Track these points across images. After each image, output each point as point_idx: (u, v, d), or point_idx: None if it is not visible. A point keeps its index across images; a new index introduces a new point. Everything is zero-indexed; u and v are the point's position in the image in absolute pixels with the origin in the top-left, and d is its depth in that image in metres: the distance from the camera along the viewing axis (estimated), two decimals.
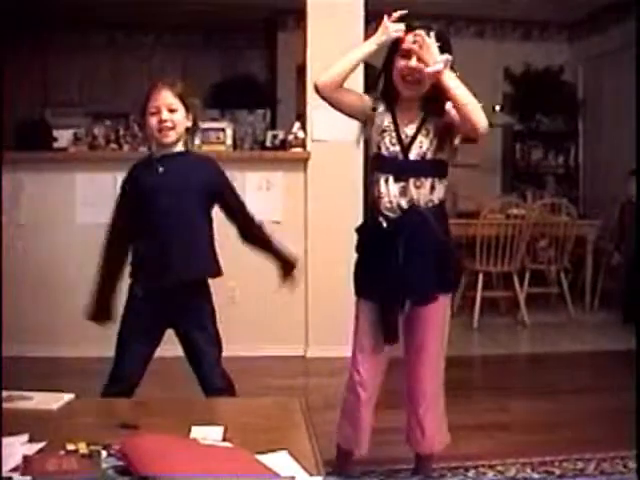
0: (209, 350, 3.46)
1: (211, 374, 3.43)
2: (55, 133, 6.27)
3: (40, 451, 1.89)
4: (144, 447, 1.76)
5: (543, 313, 7.80)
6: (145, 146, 6.02)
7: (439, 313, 3.42)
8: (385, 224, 3.29)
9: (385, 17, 3.32)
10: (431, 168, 3.29)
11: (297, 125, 6.04)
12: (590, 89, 10.41)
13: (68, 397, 2.43)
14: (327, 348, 5.93)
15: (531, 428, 4.48)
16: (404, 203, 3.26)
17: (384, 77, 3.39)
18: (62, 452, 1.80)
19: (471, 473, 3.70)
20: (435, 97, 3.24)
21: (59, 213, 5.99)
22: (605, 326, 7.46)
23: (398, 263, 3.24)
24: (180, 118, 3.35)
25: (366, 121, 3.44)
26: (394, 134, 3.30)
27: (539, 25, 10.56)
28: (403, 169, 3.28)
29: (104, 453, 1.81)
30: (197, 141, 5.86)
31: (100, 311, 3.51)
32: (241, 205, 3.69)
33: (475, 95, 3.19)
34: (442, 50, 3.18)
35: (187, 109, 3.39)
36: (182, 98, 3.36)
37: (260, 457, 1.83)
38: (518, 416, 4.74)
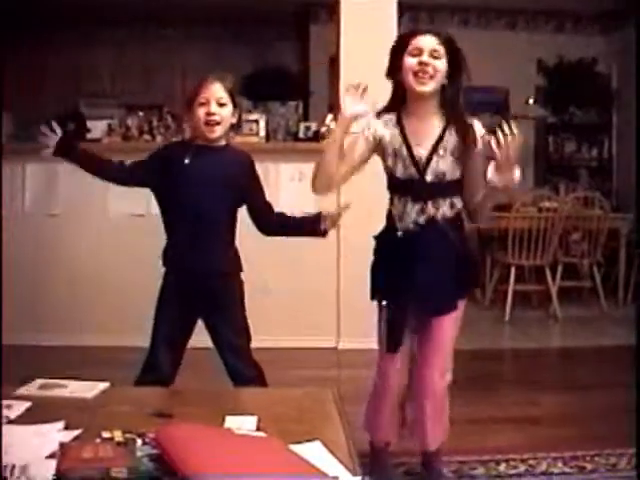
0: (237, 341, 3.49)
1: (239, 365, 3.45)
2: (89, 124, 6.31)
3: (76, 438, 1.91)
4: (179, 436, 1.77)
5: (575, 307, 7.77)
6: (178, 137, 6.07)
7: (454, 317, 3.36)
8: (401, 234, 3.29)
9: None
10: (449, 189, 3.25)
11: (330, 117, 6.04)
12: (624, 81, 10.31)
13: (103, 386, 2.45)
14: (359, 340, 5.93)
15: (562, 422, 4.47)
16: (422, 220, 3.23)
17: (393, 84, 3.37)
18: (98, 440, 1.81)
19: (502, 466, 3.70)
20: (452, 102, 3.22)
21: (92, 204, 6.03)
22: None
23: (413, 275, 3.23)
24: (228, 113, 3.36)
25: (378, 151, 3.42)
26: (407, 157, 3.24)
27: (572, 16, 10.48)
28: (420, 191, 3.23)
29: (139, 441, 1.82)
30: (230, 132, 5.88)
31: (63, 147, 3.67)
32: (266, 206, 3.68)
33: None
34: (452, 58, 3.18)
35: (235, 105, 3.40)
36: (232, 93, 3.38)
37: (294, 447, 1.84)
38: (549, 410, 4.72)
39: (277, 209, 5.96)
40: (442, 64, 3.17)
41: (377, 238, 3.55)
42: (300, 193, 5.91)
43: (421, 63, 3.14)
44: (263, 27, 10.26)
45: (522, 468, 3.70)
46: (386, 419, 3.55)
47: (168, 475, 1.65)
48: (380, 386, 3.55)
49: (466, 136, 3.20)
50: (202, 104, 3.32)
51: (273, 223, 3.67)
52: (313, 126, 6.30)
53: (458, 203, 3.29)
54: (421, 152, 3.22)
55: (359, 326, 5.95)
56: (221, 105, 3.33)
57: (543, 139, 10.50)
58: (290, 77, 10.00)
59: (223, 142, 3.46)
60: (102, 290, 5.98)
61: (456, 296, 3.34)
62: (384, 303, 3.43)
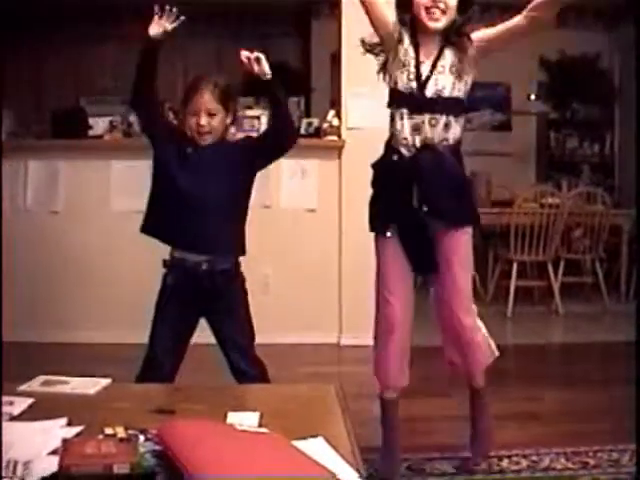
0: (239, 338, 3.50)
1: (243, 363, 3.45)
2: (91, 121, 6.31)
3: (78, 434, 1.91)
4: (181, 432, 1.77)
5: (577, 303, 7.76)
6: None
7: (462, 247, 3.43)
8: (396, 157, 3.36)
9: None
10: (447, 106, 3.30)
11: (332, 113, 6.04)
12: (626, 76, 10.30)
13: (105, 382, 2.45)
14: (361, 336, 5.91)
15: (565, 418, 4.46)
16: (418, 141, 3.29)
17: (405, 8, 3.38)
18: (100, 436, 1.81)
19: (505, 462, 3.69)
20: (457, 29, 3.32)
21: (94, 200, 6.04)
22: None
23: (412, 200, 3.32)
24: (218, 122, 3.37)
25: (389, 51, 3.42)
26: (413, 70, 3.30)
27: (575, 12, 10.44)
28: (418, 105, 3.28)
29: (141, 437, 1.82)
30: (232, 129, 5.87)
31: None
32: (265, 136, 3.69)
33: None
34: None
35: (227, 109, 3.42)
36: (222, 101, 3.38)
37: (296, 443, 1.83)
38: (551, 406, 4.72)
39: (279, 205, 6.00)
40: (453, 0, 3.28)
41: (374, 166, 3.60)
42: (302, 190, 5.92)
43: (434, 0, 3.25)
44: (265, 23, 10.25)
45: (524, 464, 3.69)
46: (393, 364, 3.62)
47: (171, 471, 1.65)
48: (383, 330, 3.61)
49: (463, 53, 3.32)
50: (192, 114, 3.35)
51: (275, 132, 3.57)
52: (315, 122, 6.30)
53: (455, 127, 3.34)
54: (424, 68, 3.30)
55: (361, 322, 5.94)
56: (211, 115, 3.34)
57: (545, 135, 10.50)
58: (292, 73, 9.98)
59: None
60: (103, 287, 5.98)
61: (456, 219, 3.40)
62: (388, 234, 3.46)
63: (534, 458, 3.76)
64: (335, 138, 5.96)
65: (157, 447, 1.76)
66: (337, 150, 5.98)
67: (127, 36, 10.05)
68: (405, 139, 3.31)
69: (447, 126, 3.30)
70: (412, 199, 3.32)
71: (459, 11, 3.32)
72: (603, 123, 10.48)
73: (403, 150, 3.34)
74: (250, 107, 6.75)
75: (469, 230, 3.47)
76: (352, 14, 5.99)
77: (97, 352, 5.49)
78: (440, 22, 3.27)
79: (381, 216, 3.50)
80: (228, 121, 3.44)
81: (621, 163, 10.43)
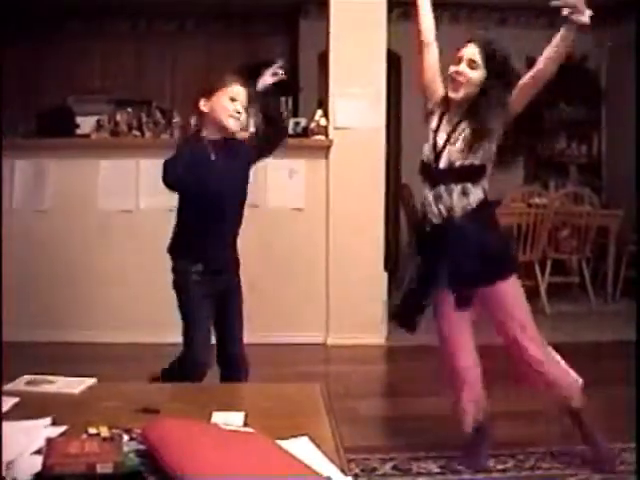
0: (239, 333, 3.71)
1: (237, 354, 3.65)
2: (78, 120, 6.30)
3: (63, 434, 1.90)
4: (165, 432, 1.76)
5: (564, 303, 7.77)
6: (167, 133, 6.06)
7: (508, 294, 3.68)
8: (428, 229, 3.55)
9: None
10: (460, 175, 3.44)
11: (319, 113, 6.04)
12: (614, 77, 10.33)
13: (90, 382, 2.45)
14: (348, 336, 5.95)
15: (551, 417, 4.46)
16: (443, 209, 3.47)
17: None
18: (84, 435, 1.81)
19: (491, 462, 3.70)
20: (478, 106, 3.44)
21: (81, 199, 6.02)
22: (626, 316, 7.41)
23: (439, 264, 3.52)
24: (244, 119, 3.57)
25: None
26: (432, 142, 3.49)
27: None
28: (434, 177, 3.48)
29: (126, 437, 1.82)
30: None
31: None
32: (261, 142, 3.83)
33: None
34: (491, 68, 3.50)
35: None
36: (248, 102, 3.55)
37: (281, 442, 1.83)
38: (538, 405, 4.72)
39: (267, 205, 6.00)
40: (476, 74, 3.45)
41: (416, 228, 3.97)
42: (289, 189, 5.91)
43: (457, 72, 3.45)
44: (253, 22, 10.24)
45: (511, 463, 3.70)
46: (468, 403, 3.73)
47: (154, 471, 1.64)
48: (455, 381, 3.78)
49: (475, 136, 3.43)
50: (233, 99, 3.45)
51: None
52: (302, 122, 6.30)
53: (475, 191, 3.48)
54: (439, 141, 3.48)
55: (348, 322, 5.97)
56: (244, 107, 3.50)
57: (533, 136, 10.50)
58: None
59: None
60: (90, 286, 5.97)
61: (487, 275, 3.56)
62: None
63: (520, 457, 3.77)
64: (322, 138, 5.96)
65: (141, 447, 1.75)
66: (324, 150, 5.98)
67: (114, 35, 10.10)
68: (431, 208, 3.50)
69: (465, 193, 3.46)
70: (443, 264, 3.54)
71: (486, 85, 3.46)
72: (590, 124, 10.49)
73: (433, 219, 3.52)
74: None
75: (508, 279, 3.65)
76: (340, 14, 6.02)
77: (82, 351, 5.47)
78: (458, 92, 3.45)
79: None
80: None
81: (608, 164, 10.44)
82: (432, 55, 3.68)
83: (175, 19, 10.31)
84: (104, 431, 1.81)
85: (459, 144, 3.44)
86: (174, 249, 3.59)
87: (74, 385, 2.41)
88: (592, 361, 5.96)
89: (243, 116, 3.49)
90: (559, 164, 10.31)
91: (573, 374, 3.82)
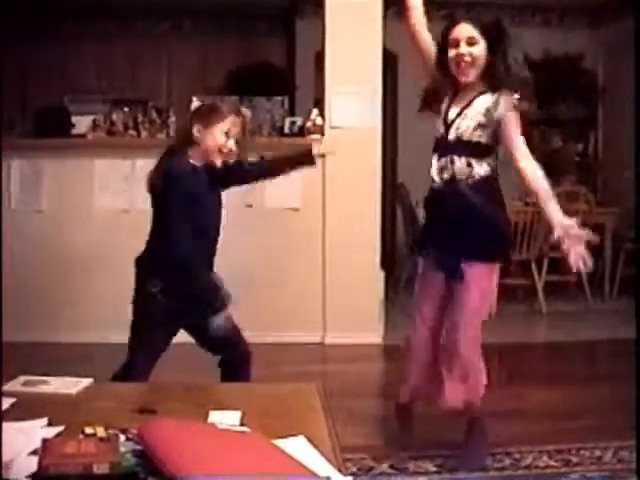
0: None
1: (240, 337, 3.68)
2: (73, 119, 6.30)
3: (59, 435, 1.90)
4: (162, 431, 1.76)
5: (561, 301, 7.77)
6: (163, 133, 6.06)
7: (477, 280, 3.63)
8: (429, 192, 3.65)
9: None
10: (466, 148, 3.51)
11: (315, 112, 6.04)
12: (610, 76, 10.33)
13: (87, 382, 2.44)
14: (345, 335, 5.95)
15: (548, 416, 4.48)
16: (446, 176, 3.54)
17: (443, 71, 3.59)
18: (81, 436, 1.80)
19: (487, 460, 3.70)
20: (491, 75, 3.50)
21: (77, 199, 6.02)
22: (623, 314, 7.40)
23: (439, 229, 3.65)
24: (232, 143, 3.46)
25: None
26: (443, 116, 3.56)
27: (559, 11, 10.47)
28: (443, 149, 3.55)
29: (122, 437, 1.82)
30: None
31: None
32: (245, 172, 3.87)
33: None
34: (490, 38, 3.50)
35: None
36: (240, 123, 3.51)
37: (277, 442, 1.83)
38: (535, 404, 4.73)
39: (263, 205, 5.99)
40: (479, 49, 3.48)
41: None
42: (285, 189, 5.91)
43: (459, 55, 3.46)
44: (249, 22, 10.23)
45: (507, 462, 3.71)
46: (411, 375, 3.79)
47: (151, 471, 1.64)
48: (408, 340, 3.82)
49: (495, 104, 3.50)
50: (226, 133, 3.41)
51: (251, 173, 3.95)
52: (299, 121, 6.30)
53: (479, 166, 3.53)
54: (450, 114, 3.57)
55: (345, 321, 5.97)
56: (229, 136, 3.42)
57: (528, 133, 10.48)
58: (276, 72, 9.99)
59: None
60: (87, 286, 5.97)
61: (473, 256, 3.61)
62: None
63: (517, 456, 3.77)
64: (318, 137, 5.96)
65: (138, 447, 1.75)
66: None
67: (111, 35, 10.09)
68: (435, 177, 3.58)
69: (469, 165, 3.52)
70: (439, 228, 3.67)
71: (489, 57, 3.50)
72: (586, 122, 10.49)
73: (434, 186, 3.61)
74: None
75: (489, 265, 3.69)
76: (336, 14, 6.02)
77: (79, 352, 5.47)
78: (469, 75, 3.50)
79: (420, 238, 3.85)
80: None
81: (604, 162, 10.45)
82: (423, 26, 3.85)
83: (171, 19, 10.31)
84: (100, 431, 1.81)
85: (468, 120, 3.50)
86: None
87: (71, 385, 2.41)
88: (589, 359, 5.99)
89: (234, 148, 3.45)
90: (555, 163, 10.30)
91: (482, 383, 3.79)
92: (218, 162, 3.42)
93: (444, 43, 3.55)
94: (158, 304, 3.40)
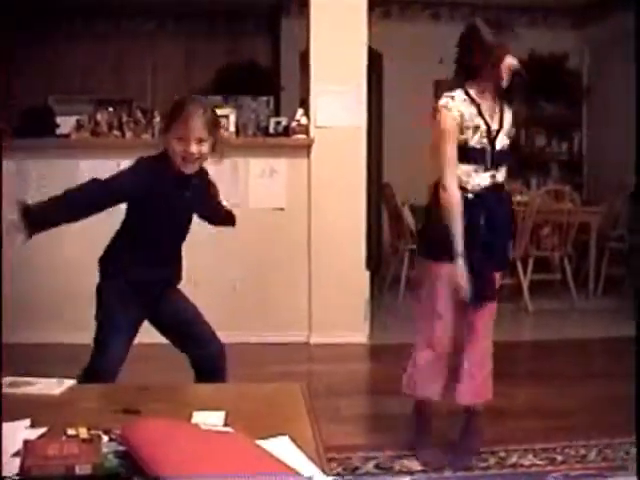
0: (200, 317, 3.46)
1: (211, 332, 3.44)
2: (58, 120, 6.28)
3: (42, 436, 1.90)
4: (145, 432, 1.76)
5: (546, 300, 7.79)
6: (148, 133, 6.04)
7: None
8: (471, 195, 3.60)
9: None
10: (507, 157, 3.72)
11: (300, 112, 6.03)
12: (595, 75, 10.37)
13: (70, 383, 2.44)
14: (331, 334, 5.95)
15: (533, 414, 4.49)
16: (489, 183, 3.63)
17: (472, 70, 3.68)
18: (63, 437, 1.80)
19: (473, 459, 3.70)
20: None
21: None
22: (608, 312, 7.45)
23: (480, 233, 3.60)
24: (207, 149, 3.18)
25: None
26: (485, 130, 3.59)
27: (544, 11, 10.50)
28: (492, 160, 3.62)
29: (105, 438, 1.81)
30: None
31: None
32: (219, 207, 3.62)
33: None
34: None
35: (213, 136, 3.23)
36: (210, 126, 3.19)
37: (261, 442, 1.83)
38: (520, 402, 4.74)
39: (248, 205, 5.98)
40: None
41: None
42: (270, 189, 5.91)
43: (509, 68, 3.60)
44: (235, 21, 10.22)
45: (492, 461, 3.71)
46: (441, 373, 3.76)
47: (134, 472, 1.64)
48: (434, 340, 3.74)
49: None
50: (180, 139, 3.13)
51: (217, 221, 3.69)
52: (283, 121, 6.30)
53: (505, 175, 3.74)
54: (493, 126, 3.64)
55: (330, 321, 5.97)
56: (200, 142, 3.14)
57: (514, 133, 10.51)
58: (262, 72, 9.99)
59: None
60: (69, 286, 5.93)
61: (505, 260, 3.92)
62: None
63: (502, 455, 3.77)
64: (304, 136, 5.95)
65: (121, 448, 1.74)
66: (306, 148, 5.97)
67: (95, 35, 10.06)
68: (480, 181, 3.62)
69: (507, 172, 3.74)
70: (480, 233, 3.64)
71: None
72: (571, 122, 10.52)
73: (475, 189, 3.63)
74: (219, 106, 6.73)
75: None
76: (320, 13, 6.01)
77: (64, 352, 5.44)
78: (507, 81, 3.63)
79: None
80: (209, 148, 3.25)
81: (589, 161, 10.50)
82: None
83: (156, 18, 10.29)
84: (83, 432, 1.80)
85: (506, 128, 3.68)
86: None
87: (54, 386, 2.40)
88: (574, 358, 5.99)
89: (205, 146, 3.16)
90: (540, 162, 10.34)
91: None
92: (186, 169, 3.17)
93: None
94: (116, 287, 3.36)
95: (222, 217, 3.62)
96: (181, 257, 3.48)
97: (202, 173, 3.37)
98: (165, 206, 3.24)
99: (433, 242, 3.74)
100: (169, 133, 3.17)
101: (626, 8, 8.99)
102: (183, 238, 3.44)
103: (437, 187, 3.61)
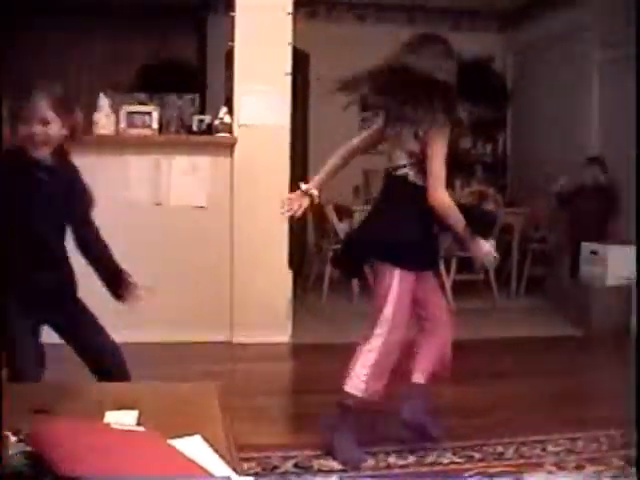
0: (97, 324, 3.36)
1: (107, 339, 3.34)
2: None
3: None
4: (55, 432, 1.74)
5: (469, 299, 7.87)
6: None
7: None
8: None
9: None
10: None
11: (224, 110, 6.00)
12: (519, 79, 10.53)
13: None
14: (253, 334, 5.94)
15: (453, 413, 4.52)
16: None
17: None
18: None
19: (392, 458, 3.73)
20: None
21: None
22: (530, 312, 7.57)
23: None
24: (55, 131, 3.09)
25: None
26: None
27: (470, 15, 10.62)
28: None
29: (13, 438, 1.78)
30: (123, 124, 5.81)
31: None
32: (91, 227, 3.41)
33: None
34: None
35: (64, 121, 3.13)
36: (57, 109, 3.10)
37: (173, 441, 1.82)
38: (440, 401, 4.76)
39: (169, 204, 5.93)
40: None
41: None
42: (193, 187, 5.88)
43: None
44: (162, 19, 10.14)
45: (412, 459, 3.73)
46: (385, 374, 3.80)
47: (43, 473, 1.61)
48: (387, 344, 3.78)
49: None
50: (24, 122, 3.04)
51: (91, 248, 3.37)
52: (207, 119, 6.27)
53: None
54: None
55: (253, 320, 5.96)
56: (45, 124, 3.05)
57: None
58: (188, 70, 9.92)
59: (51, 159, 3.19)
60: None
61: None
62: None
63: (421, 453, 3.80)
64: (227, 135, 5.93)
65: (29, 448, 1.71)
66: (229, 147, 5.94)
67: (19, 30, 9.89)
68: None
69: None
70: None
71: None
72: (496, 124, 10.66)
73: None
74: (143, 103, 6.69)
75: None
76: (246, 12, 6.00)
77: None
78: None
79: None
80: (64, 131, 3.14)
81: (513, 163, 10.65)
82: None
83: (81, 14, 10.15)
84: None
85: None
86: None
87: None
88: (495, 357, 6.07)
89: (53, 128, 3.06)
90: (465, 163, 10.44)
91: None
92: (35, 153, 3.06)
93: None
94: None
95: (102, 254, 3.39)
96: (68, 260, 3.32)
97: (64, 161, 3.24)
98: (28, 195, 3.11)
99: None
100: (15, 119, 3.08)
101: (550, 13, 9.15)
102: (63, 235, 3.27)
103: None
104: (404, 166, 3.70)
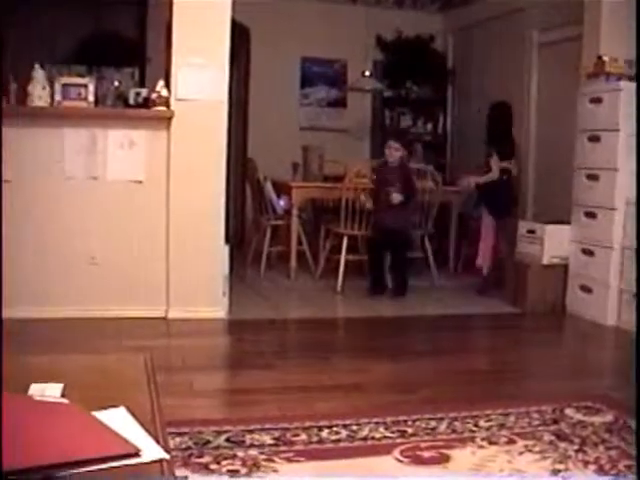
0: None
1: None
2: None
3: None
4: None
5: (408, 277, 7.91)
6: (3, 100, 5.84)
7: None
8: None
9: None
10: None
11: (161, 83, 5.92)
12: (459, 58, 10.59)
13: None
14: (189, 309, 5.91)
15: (389, 389, 4.55)
16: None
17: None
18: None
19: (325, 432, 3.73)
20: None
21: (46, 168, 5.66)
22: (467, 291, 7.62)
23: None
24: None
25: None
26: None
27: None
28: None
29: None
30: (58, 96, 5.72)
31: None
32: None
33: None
34: None
35: None
36: None
37: (97, 413, 1.80)
38: (377, 377, 4.80)
39: (105, 178, 5.84)
40: None
41: None
42: (129, 161, 5.82)
43: None
44: None
45: (344, 433, 3.74)
46: None
47: None
48: None
49: None
50: None
51: None
52: (144, 92, 6.18)
53: None
54: None
55: (189, 296, 5.93)
56: None
57: (380, 112, 10.65)
58: (128, 43, 9.80)
59: None
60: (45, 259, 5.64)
61: None
62: None
63: (354, 428, 3.81)
64: (164, 109, 5.85)
65: None
66: (166, 121, 5.86)
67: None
68: None
69: None
70: None
71: None
72: (436, 103, 10.72)
73: None
74: (81, 75, 6.60)
75: None
76: None
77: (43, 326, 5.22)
78: None
79: None
80: None
81: (452, 142, 10.72)
82: None
83: None
84: None
85: None
86: None
87: None
88: (429, 333, 6.13)
89: None
90: (405, 141, 10.48)
91: None
92: None
93: None
94: None
95: None
96: None
97: None
98: None
99: None
100: None
101: None
102: None
103: None
104: None
